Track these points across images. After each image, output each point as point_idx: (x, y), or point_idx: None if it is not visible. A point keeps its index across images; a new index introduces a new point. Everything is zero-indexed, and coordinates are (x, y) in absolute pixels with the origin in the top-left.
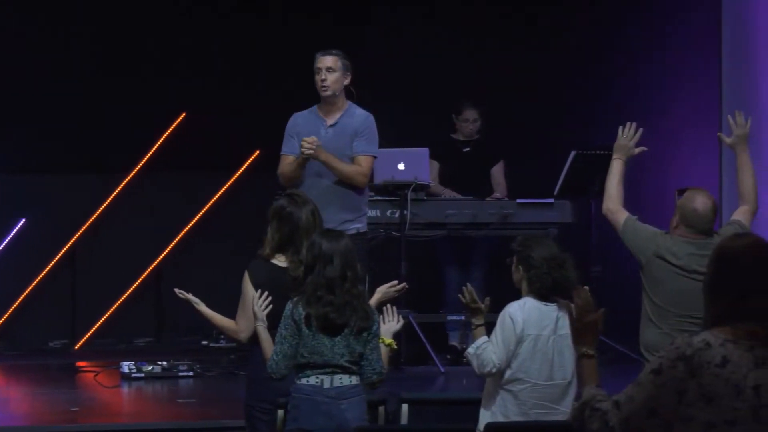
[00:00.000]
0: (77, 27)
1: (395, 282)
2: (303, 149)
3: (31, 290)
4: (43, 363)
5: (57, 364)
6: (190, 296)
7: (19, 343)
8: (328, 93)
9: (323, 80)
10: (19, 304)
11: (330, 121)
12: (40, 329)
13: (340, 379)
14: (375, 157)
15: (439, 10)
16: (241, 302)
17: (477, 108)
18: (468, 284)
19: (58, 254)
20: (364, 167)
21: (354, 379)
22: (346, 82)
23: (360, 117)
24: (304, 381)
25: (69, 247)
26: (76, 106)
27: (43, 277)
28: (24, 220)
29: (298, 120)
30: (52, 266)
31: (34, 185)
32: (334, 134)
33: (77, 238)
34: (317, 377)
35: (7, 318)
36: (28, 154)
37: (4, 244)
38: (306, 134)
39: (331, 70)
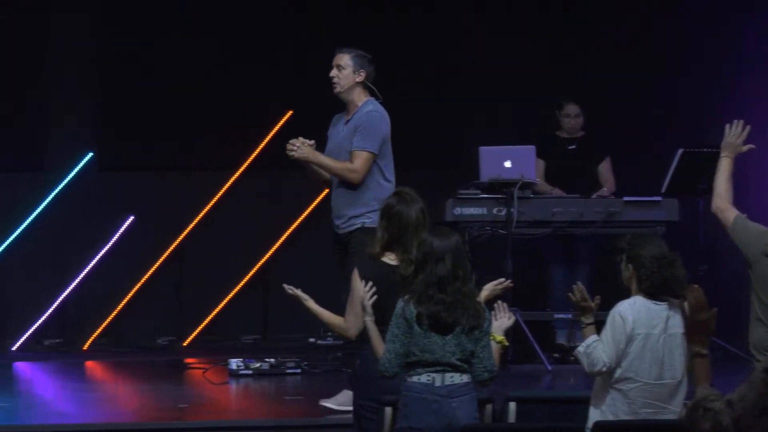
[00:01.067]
0: (190, 27)
1: (502, 279)
2: (287, 151)
3: (139, 287)
4: (151, 360)
5: (165, 361)
6: (299, 292)
7: (128, 341)
8: (336, 90)
9: (331, 77)
10: (127, 301)
11: (347, 118)
12: (148, 326)
13: (451, 377)
14: (372, 153)
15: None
16: (350, 299)
17: (578, 103)
18: (578, 282)
19: (165, 252)
20: (354, 163)
21: (465, 378)
22: (359, 79)
23: (362, 112)
24: (414, 379)
25: (177, 245)
26: (184, 104)
27: (151, 274)
28: (132, 217)
29: (333, 119)
30: (159, 263)
31: (142, 183)
32: (347, 131)
33: (185, 235)
34: (428, 375)
35: (115, 315)
36: (137, 152)
37: (112, 241)
38: (333, 133)
39: (340, 67)
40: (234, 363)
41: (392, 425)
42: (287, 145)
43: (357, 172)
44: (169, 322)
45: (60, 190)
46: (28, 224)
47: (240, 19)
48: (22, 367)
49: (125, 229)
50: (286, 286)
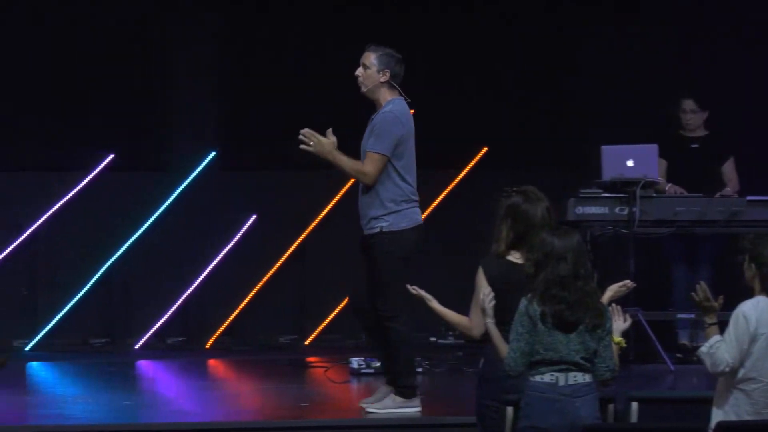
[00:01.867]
0: (315, 26)
1: (627, 281)
2: (300, 145)
3: (261, 286)
4: (272, 359)
5: (286, 360)
6: (422, 293)
7: (249, 339)
8: (361, 89)
9: (357, 76)
10: (249, 300)
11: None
12: (269, 325)
13: (575, 376)
14: (382, 155)
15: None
16: (474, 298)
17: (695, 98)
18: (701, 282)
19: (287, 250)
20: (365, 165)
21: (588, 377)
22: (383, 79)
23: (379, 113)
24: (538, 378)
25: (298, 244)
26: (305, 104)
27: (273, 273)
28: (255, 216)
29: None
30: (281, 262)
31: (264, 182)
32: (367, 132)
33: (306, 234)
34: (552, 374)
35: (237, 314)
36: (259, 151)
37: (235, 240)
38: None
39: (365, 66)
40: (355, 362)
41: (513, 425)
42: (300, 136)
43: (366, 175)
44: (290, 320)
45: (183, 189)
46: (151, 223)
47: (376, 16)
48: (144, 365)
49: (247, 228)
50: (409, 286)
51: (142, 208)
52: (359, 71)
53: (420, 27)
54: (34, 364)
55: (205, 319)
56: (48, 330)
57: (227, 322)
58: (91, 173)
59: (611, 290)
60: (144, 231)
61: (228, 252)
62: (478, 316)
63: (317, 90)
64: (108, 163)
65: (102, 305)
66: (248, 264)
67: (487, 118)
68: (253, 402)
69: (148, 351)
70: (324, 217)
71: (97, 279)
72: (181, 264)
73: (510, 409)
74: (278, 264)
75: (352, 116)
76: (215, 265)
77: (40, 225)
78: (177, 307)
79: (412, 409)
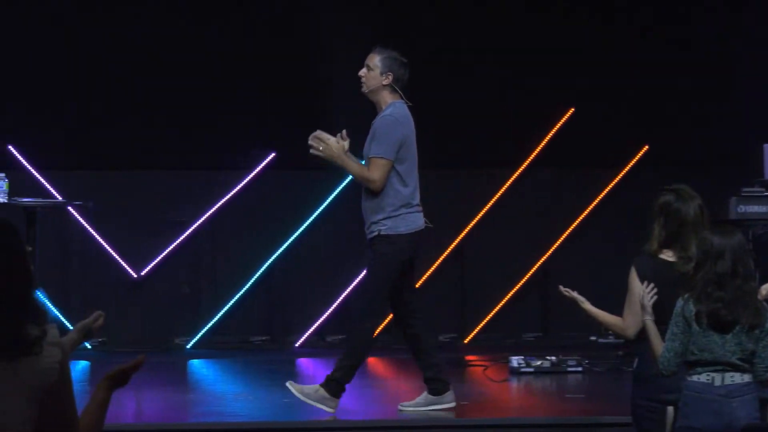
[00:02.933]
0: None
1: None
2: (310, 149)
3: (420, 285)
4: None
5: (446, 358)
6: (575, 294)
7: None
8: (363, 89)
9: (360, 76)
10: None
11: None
12: (430, 324)
13: (731, 377)
14: (387, 159)
15: None
16: (628, 298)
17: None
18: None
19: (446, 250)
20: (371, 171)
21: (746, 377)
22: (385, 82)
23: (379, 117)
24: (694, 378)
25: (457, 243)
26: (465, 100)
27: (432, 272)
28: None
29: None
30: (440, 261)
31: (429, 181)
32: (369, 135)
33: (465, 233)
34: (708, 375)
35: None
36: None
37: None
38: None
39: (369, 67)
40: (515, 360)
41: (673, 424)
42: (309, 140)
43: (372, 181)
44: (450, 319)
45: (342, 188)
46: (312, 222)
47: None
48: (304, 363)
49: None
50: (562, 288)
51: (303, 207)
52: (363, 72)
53: (584, 30)
54: (195, 362)
55: None
56: (209, 328)
57: (386, 321)
58: (253, 172)
59: (765, 289)
60: (304, 229)
61: None
62: (632, 316)
63: (475, 87)
64: (270, 162)
65: (263, 303)
66: None
67: (647, 117)
68: (411, 399)
69: (308, 349)
70: (482, 215)
71: (258, 277)
72: (341, 262)
73: (671, 409)
74: (437, 263)
75: (512, 112)
76: None
77: (203, 223)
78: (336, 306)
79: (443, 405)
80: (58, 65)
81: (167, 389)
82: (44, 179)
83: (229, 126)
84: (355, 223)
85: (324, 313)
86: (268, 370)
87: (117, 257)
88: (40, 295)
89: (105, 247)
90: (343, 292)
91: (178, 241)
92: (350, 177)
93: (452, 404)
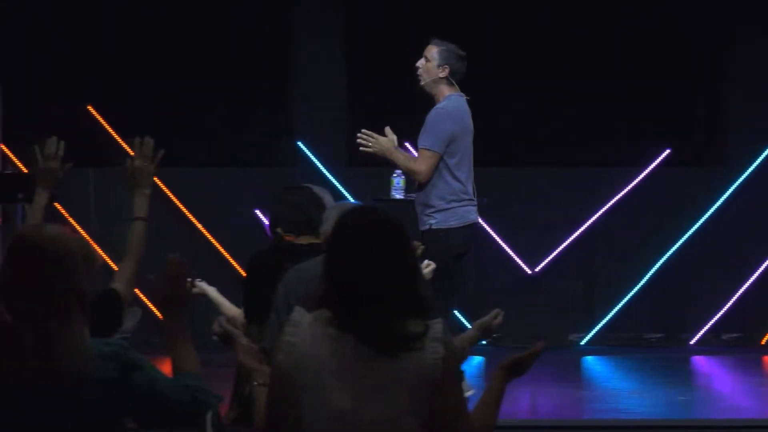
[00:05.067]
0: None
1: None
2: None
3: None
4: None
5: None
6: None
7: None
8: (420, 82)
9: (416, 68)
10: None
11: None
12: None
13: None
14: (434, 152)
15: None
16: None
17: None
18: None
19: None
20: (417, 162)
21: None
22: (441, 74)
23: (433, 109)
24: None
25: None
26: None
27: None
28: None
29: None
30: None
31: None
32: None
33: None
34: None
35: None
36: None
37: None
38: None
39: (427, 59)
40: None
41: None
42: (357, 138)
43: (417, 173)
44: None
45: (739, 183)
46: (707, 218)
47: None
48: (699, 360)
49: None
50: None
51: (697, 203)
52: (420, 63)
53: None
54: (589, 359)
55: (763, 314)
56: (603, 324)
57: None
58: (647, 168)
59: None
60: (700, 226)
61: None
62: None
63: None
64: (664, 158)
65: (656, 300)
66: None
67: None
68: None
69: (703, 347)
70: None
71: (652, 274)
72: (737, 258)
73: None
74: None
75: None
76: None
77: (596, 220)
78: (733, 303)
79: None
80: None
81: (561, 385)
82: None
83: (621, 123)
84: (753, 218)
85: (720, 310)
86: (662, 367)
87: (512, 253)
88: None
89: (500, 244)
90: (740, 288)
91: (572, 238)
92: (745, 174)
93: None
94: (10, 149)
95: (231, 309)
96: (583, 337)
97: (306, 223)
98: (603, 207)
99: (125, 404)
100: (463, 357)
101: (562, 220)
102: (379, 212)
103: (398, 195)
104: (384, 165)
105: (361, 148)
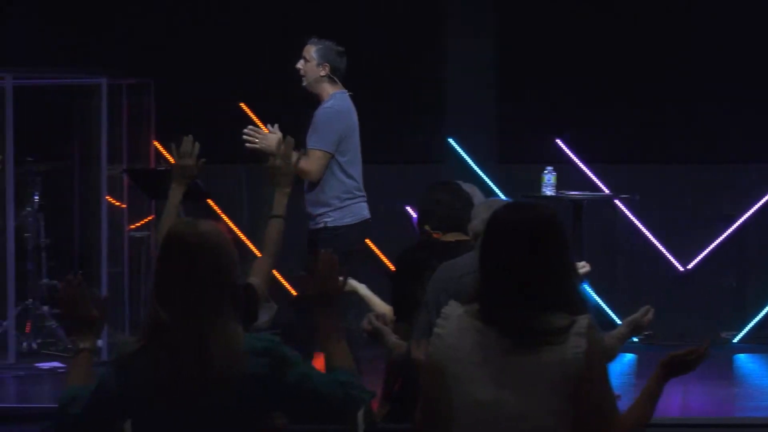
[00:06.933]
0: None
1: None
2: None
3: None
4: None
5: None
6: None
7: None
8: (302, 82)
9: (298, 69)
10: None
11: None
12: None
13: None
14: (324, 152)
15: None
16: None
17: None
18: None
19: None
20: (307, 163)
21: None
22: (322, 73)
23: (319, 109)
24: None
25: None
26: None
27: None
28: None
29: None
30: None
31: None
32: (310, 127)
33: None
34: None
35: None
36: None
37: None
38: None
39: (305, 60)
40: None
41: None
42: (244, 134)
43: (307, 173)
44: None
45: None
46: None
47: None
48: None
49: None
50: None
51: None
52: (300, 64)
53: None
54: (741, 356)
55: None
56: (756, 322)
57: None
58: None
59: None
60: None
61: None
62: None
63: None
64: None
65: None
66: None
67: None
68: None
69: None
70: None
71: None
72: None
73: None
74: None
75: None
76: None
77: (749, 216)
78: None
79: None
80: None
81: (713, 383)
82: (591, 172)
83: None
84: None
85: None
86: None
87: (663, 250)
88: (583, 287)
89: (651, 240)
90: None
91: (725, 235)
92: None
93: None
94: (163, 146)
95: (381, 305)
96: (735, 335)
97: (454, 220)
98: (756, 203)
99: (276, 399)
100: (612, 354)
101: (714, 217)
102: (537, 208)
103: (549, 192)
104: (534, 162)
105: (246, 145)
